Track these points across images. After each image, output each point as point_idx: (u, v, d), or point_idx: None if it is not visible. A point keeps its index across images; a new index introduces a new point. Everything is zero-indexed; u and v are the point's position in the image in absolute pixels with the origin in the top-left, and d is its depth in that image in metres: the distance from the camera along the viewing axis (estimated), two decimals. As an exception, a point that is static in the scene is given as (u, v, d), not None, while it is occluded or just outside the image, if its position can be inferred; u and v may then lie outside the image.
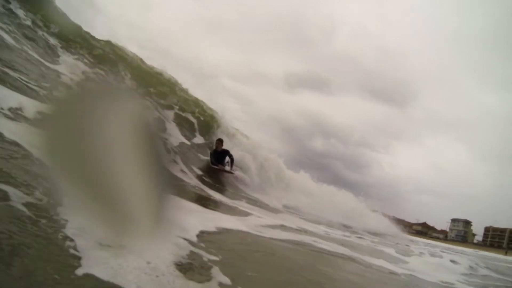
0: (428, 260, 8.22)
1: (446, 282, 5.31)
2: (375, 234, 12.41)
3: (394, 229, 17.50)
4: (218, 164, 10.30)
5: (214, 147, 10.71)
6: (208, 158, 10.58)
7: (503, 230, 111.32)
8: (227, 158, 10.72)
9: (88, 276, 1.71)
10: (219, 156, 10.46)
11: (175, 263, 2.27)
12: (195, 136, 11.67)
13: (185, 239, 2.88)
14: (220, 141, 10.61)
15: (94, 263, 1.80)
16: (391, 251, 7.95)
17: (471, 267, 8.21)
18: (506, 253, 42.04)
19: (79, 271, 1.70)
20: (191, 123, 12.01)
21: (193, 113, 12.37)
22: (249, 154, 12.73)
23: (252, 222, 5.35)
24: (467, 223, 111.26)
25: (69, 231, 2.01)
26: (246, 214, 6.21)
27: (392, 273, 4.98)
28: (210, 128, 12.71)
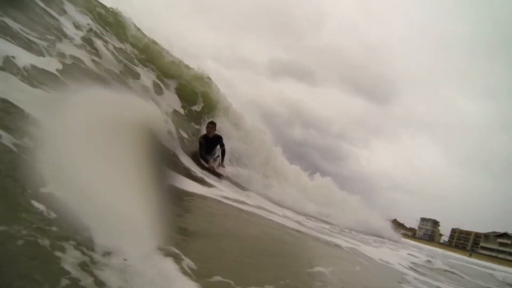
0: (383, 250, 8.46)
1: (385, 261, 5.74)
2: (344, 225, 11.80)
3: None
4: (207, 155, 8.29)
5: (205, 133, 8.51)
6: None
7: (468, 233, 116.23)
8: (217, 152, 8.73)
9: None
10: (210, 144, 8.42)
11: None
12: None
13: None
14: (212, 125, 8.44)
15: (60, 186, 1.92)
16: (347, 238, 7.76)
17: (428, 261, 8.28)
18: (470, 255, 43.54)
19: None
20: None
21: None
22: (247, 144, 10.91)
23: (213, 192, 5.37)
24: (436, 223, 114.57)
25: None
26: (210, 185, 6.10)
27: (337, 246, 5.43)
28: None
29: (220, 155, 8.76)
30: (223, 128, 9.67)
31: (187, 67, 10.25)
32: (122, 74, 6.55)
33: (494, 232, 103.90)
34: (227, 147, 8.96)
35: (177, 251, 2.07)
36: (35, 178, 1.87)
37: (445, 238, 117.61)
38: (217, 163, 8.48)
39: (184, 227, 2.86)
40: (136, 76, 7.35)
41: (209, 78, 10.83)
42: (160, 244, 2.01)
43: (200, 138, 8.49)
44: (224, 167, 8.81)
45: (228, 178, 8.33)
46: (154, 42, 9.52)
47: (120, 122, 2.28)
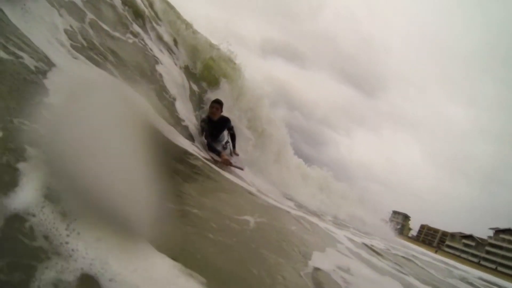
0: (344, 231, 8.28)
1: (331, 231, 5.67)
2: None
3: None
4: (213, 143, 6.17)
5: (208, 114, 6.31)
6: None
7: (436, 231, 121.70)
8: (226, 137, 6.73)
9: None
10: (215, 128, 6.24)
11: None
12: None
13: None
14: (218, 105, 6.22)
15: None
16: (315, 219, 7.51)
17: (387, 249, 8.24)
18: (436, 252, 44.67)
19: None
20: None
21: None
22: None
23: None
24: (406, 217, 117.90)
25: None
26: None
27: (288, 212, 5.37)
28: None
29: (229, 141, 6.79)
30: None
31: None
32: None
33: (460, 233, 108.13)
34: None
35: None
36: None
37: (413, 232, 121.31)
38: (227, 151, 6.62)
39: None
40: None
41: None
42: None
43: (202, 121, 6.30)
44: (237, 155, 6.98)
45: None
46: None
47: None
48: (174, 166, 3.34)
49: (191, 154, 4.35)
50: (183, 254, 1.86)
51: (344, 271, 3.38)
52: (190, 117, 6.27)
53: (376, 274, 4.07)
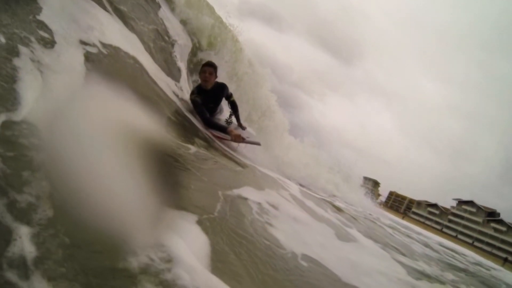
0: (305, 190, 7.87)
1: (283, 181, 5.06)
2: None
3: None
4: (211, 117, 4.88)
5: (200, 82, 4.92)
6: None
7: (404, 198, 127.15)
8: (223, 110, 5.72)
9: None
10: (210, 99, 4.90)
11: None
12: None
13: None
14: (211, 68, 4.77)
15: None
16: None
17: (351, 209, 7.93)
18: (403, 218, 45.98)
19: None
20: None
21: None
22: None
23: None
24: (376, 183, 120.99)
25: None
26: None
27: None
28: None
29: (232, 111, 5.58)
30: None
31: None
32: None
33: (426, 201, 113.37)
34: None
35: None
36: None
37: (382, 198, 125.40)
38: (232, 125, 5.38)
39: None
40: None
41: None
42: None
43: (193, 95, 4.69)
44: (245, 128, 5.75)
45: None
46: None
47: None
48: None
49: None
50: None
51: (271, 206, 3.03)
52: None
53: (310, 219, 3.56)
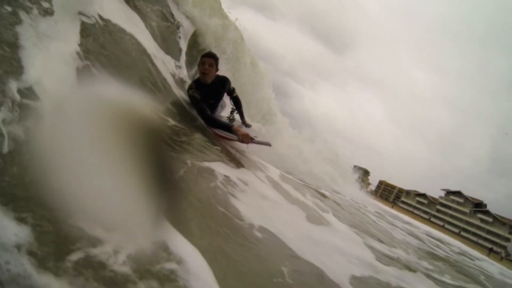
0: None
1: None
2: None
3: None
4: (212, 116, 4.22)
5: (198, 75, 4.31)
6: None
7: (393, 187, 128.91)
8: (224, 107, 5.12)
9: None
10: (211, 94, 4.31)
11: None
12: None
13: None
14: (211, 59, 4.18)
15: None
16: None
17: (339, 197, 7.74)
18: (392, 207, 46.36)
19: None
20: None
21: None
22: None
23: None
24: (366, 172, 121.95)
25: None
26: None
27: None
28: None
29: (234, 108, 4.94)
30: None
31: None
32: None
33: (415, 191, 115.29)
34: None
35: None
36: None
37: (372, 187, 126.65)
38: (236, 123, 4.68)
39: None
40: None
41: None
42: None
43: (191, 90, 4.10)
44: (250, 125, 5.17)
45: None
46: None
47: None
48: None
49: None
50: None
51: (240, 181, 2.89)
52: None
53: (282, 199, 3.39)
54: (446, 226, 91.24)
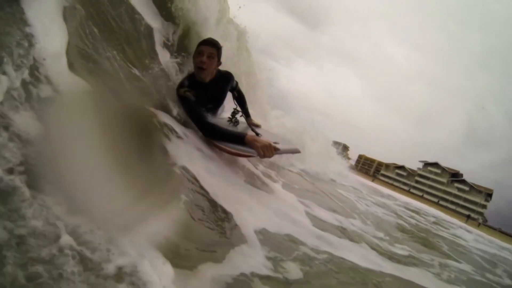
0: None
1: None
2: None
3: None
4: (214, 124, 2.86)
5: (195, 69, 2.98)
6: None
7: (373, 161, 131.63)
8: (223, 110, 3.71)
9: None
10: (211, 94, 3.12)
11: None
12: None
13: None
14: (212, 48, 2.92)
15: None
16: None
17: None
18: (373, 180, 46.91)
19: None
20: None
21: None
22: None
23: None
24: (346, 147, 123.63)
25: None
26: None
27: None
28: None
29: (238, 108, 3.63)
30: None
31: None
32: None
33: (394, 164, 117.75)
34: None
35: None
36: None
37: (352, 162, 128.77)
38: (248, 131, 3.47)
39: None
40: None
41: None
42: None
43: (183, 89, 2.89)
44: (259, 126, 3.91)
45: None
46: None
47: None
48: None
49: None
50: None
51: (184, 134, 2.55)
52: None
53: (222, 160, 2.86)
54: (425, 196, 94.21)
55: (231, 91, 3.57)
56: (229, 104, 3.58)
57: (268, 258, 1.76)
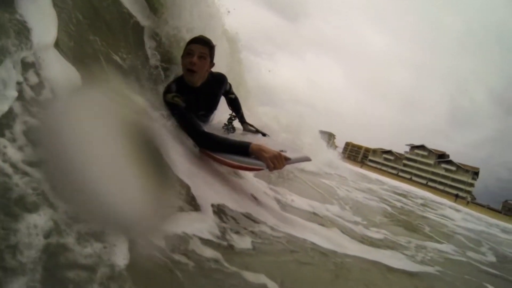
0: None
1: None
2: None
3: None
4: (210, 134, 2.44)
5: (184, 71, 2.60)
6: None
7: (360, 147, 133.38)
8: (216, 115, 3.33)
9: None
10: (200, 101, 2.74)
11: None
12: None
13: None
14: (204, 47, 2.54)
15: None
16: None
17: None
18: (361, 167, 47.19)
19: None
20: None
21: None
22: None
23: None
24: (332, 136, 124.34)
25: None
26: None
27: None
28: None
29: (233, 113, 3.31)
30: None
31: None
32: None
33: (381, 149, 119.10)
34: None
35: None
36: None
37: (339, 149, 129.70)
38: (256, 138, 3.19)
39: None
40: None
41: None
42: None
43: (171, 95, 2.49)
44: (261, 131, 3.43)
45: None
46: None
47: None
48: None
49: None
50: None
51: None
52: None
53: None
54: (414, 178, 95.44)
55: (225, 95, 3.27)
56: (219, 109, 3.16)
57: (218, 227, 1.69)
